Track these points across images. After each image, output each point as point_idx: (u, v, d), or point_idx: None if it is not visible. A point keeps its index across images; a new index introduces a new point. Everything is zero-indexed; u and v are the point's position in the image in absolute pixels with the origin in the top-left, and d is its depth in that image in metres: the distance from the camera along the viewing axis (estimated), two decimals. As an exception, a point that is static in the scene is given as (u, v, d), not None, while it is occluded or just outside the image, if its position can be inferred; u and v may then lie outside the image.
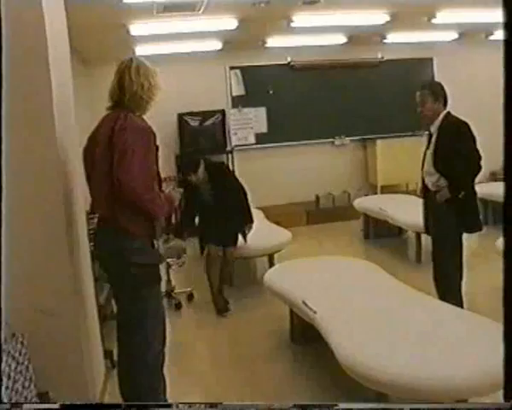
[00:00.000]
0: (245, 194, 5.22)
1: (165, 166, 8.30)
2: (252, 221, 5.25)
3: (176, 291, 5.40)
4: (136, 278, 2.71)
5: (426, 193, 4.14)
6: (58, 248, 2.79)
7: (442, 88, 3.97)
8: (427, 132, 4.16)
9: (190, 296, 5.45)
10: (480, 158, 3.81)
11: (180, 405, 2.34)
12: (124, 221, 2.67)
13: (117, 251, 2.71)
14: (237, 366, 3.98)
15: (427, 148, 4.04)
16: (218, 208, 5.09)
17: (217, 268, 5.15)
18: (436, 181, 3.94)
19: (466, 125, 3.87)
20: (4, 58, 2.15)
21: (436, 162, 3.91)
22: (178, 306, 5.19)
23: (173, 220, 8.52)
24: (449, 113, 3.95)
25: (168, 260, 5.18)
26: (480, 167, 3.82)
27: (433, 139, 3.94)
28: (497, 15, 6.80)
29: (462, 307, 3.83)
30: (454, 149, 3.81)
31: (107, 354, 3.70)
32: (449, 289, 3.99)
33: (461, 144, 3.81)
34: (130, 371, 2.81)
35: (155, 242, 2.85)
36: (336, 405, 2.31)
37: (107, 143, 2.65)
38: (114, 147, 2.61)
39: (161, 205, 2.74)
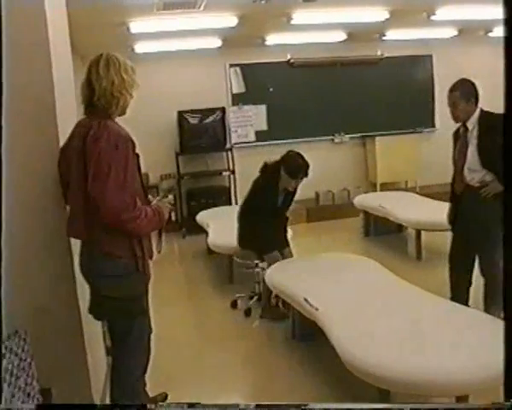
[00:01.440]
0: None
1: (165, 163, 8.35)
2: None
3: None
4: (114, 311, 2.58)
5: (463, 190, 4.02)
6: (58, 246, 2.78)
7: (474, 87, 3.88)
8: (457, 127, 4.04)
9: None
10: None
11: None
12: (105, 243, 2.45)
13: (95, 278, 2.56)
14: (234, 362, 4.00)
15: (463, 144, 3.95)
16: (283, 210, 4.90)
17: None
18: (482, 177, 3.87)
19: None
20: (5, 55, 2.14)
21: (483, 158, 3.83)
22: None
23: (173, 217, 8.58)
24: (482, 109, 3.89)
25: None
26: None
27: (474, 135, 3.85)
28: (496, 12, 6.83)
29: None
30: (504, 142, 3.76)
31: (109, 350, 3.71)
32: (497, 283, 3.99)
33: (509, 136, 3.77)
34: (113, 384, 2.80)
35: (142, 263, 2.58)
36: (306, 404, 2.31)
37: (80, 155, 2.40)
38: (88, 160, 2.35)
39: (146, 223, 2.46)
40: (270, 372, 3.80)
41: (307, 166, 4.65)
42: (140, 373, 2.82)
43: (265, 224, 4.65)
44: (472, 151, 3.88)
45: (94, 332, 3.32)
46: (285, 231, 4.98)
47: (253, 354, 4.14)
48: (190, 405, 2.30)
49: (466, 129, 3.91)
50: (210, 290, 5.64)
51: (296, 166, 4.60)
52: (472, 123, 3.87)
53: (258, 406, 2.23)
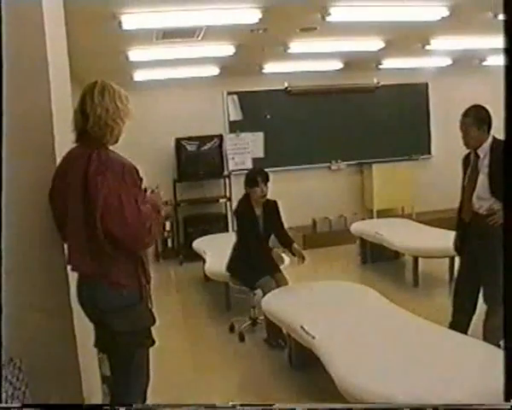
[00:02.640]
0: None
1: (163, 190, 8.34)
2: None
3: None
4: (120, 345, 2.52)
5: (471, 218, 3.99)
6: (55, 277, 2.75)
7: (487, 113, 3.85)
8: (467, 155, 4.00)
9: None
10: None
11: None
12: (113, 274, 2.43)
13: (102, 312, 2.49)
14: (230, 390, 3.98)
15: (473, 172, 3.92)
16: (267, 236, 4.94)
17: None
18: (491, 205, 3.85)
19: None
20: (4, 81, 2.16)
21: (493, 187, 3.80)
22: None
23: (169, 244, 8.58)
24: (494, 137, 3.86)
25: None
26: None
27: (485, 163, 3.82)
28: (489, 42, 6.96)
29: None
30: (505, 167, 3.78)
31: (105, 378, 3.67)
32: (499, 312, 3.98)
33: None
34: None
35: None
36: (273, 405, 2.30)
37: (82, 188, 2.36)
38: (94, 195, 2.31)
39: (155, 226, 2.47)
40: (267, 400, 3.76)
41: (262, 169, 4.85)
42: (141, 401, 2.79)
43: (248, 253, 4.74)
44: (482, 179, 3.85)
45: (89, 362, 3.29)
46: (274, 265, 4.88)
47: (250, 383, 4.11)
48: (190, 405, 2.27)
49: (477, 156, 3.89)
50: (206, 318, 5.62)
51: (250, 174, 4.83)
52: (483, 151, 3.83)
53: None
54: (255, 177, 4.71)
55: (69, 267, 2.63)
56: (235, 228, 5.03)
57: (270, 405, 2.35)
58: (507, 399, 2.03)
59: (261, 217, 4.82)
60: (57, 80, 2.90)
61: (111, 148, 2.54)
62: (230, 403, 2.28)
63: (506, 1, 2.02)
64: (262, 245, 4.82)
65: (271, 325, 4.45)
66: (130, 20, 4.67)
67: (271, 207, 4.87)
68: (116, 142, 2.54)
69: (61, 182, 2.51)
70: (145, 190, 2.61)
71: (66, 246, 2.62)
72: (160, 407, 2.67)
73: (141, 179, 2.47)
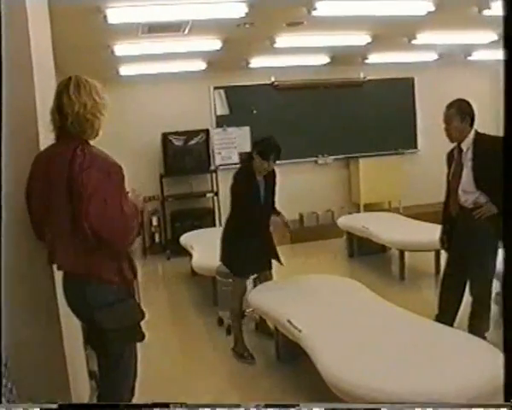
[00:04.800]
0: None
1: (150, 185, 8.34)
2: None
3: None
4: (109, 341, 2.49)
5: (457, 211, 4.04)
6: (40, 277, 2.73)
7: (470, 107, 3.91)
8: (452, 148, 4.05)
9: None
10: None
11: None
12: (102, 271, 2.43)
13: (89, 310, 2.46)
14: (218, 384, 3.98)
15: (457, 166, 3.98)
16: (267, 210, 4.48)
17: (240, 303, 4.50)
18: (476, 198, 3.91)
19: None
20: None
21: (477, 180, 3.86)
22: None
23: (157, 239, 8.56)
24: (477, 131, 3.93)
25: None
26: None
27: (469, 157, 3.89)
28: (474, 37, 7.01)
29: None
30: (498, 165, 3.80)
31: (92, 374, 3.66)
32: (485, 304, 4.04)
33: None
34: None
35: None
36: (239, 405, 2.31)
37: (67, 185, 2.32)
38: (79, 191, 2.28)
39: (136, 225, 2.48)
40: (256, 394, 3.78)
41: (278, 146, 4.37)
42: (128, 397, 2.79)
43: (247, 239, 4.32)
44: (467, 173, 3.90)
45: (77, 358, 3.29)
46: (273, 248, 4.62)
47: (238, 376, 4.12)
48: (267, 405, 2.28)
49: (460, 150, 3.94)
50: (194, 312, 5.62)
51: (266, 145, 4.35)
52: (467, 144, 3.90)
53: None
54: (269, 152, 4.29)
55: (55, 266, 2.61)
56: (232, 202, 4.45)
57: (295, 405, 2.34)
58: (507, 399, 2.05)
59: (262, 186, 4.43)
60: (42, 76, 2.88)
61: (104, 142, 2.53)
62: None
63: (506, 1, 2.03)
64: (263, 220, 4.42)
65: (239, 336, 4.43)
66: (116, 14, 4.64)
67: (271, 176, 4.50)
68: (97, 135, 2.51)
69: (41, 181, 2.46)
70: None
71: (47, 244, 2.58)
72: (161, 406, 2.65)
73: (124, 178, 2.43)
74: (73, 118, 2.38)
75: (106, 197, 2.29)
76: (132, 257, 2.60)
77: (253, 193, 4.35)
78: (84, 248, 2.38)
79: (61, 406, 2.35)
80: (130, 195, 2.63)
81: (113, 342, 2.52)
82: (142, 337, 2.64)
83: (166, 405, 2.41)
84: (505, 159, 2.11)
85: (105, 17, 4.64)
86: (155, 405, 2.41)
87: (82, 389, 3.34)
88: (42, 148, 2.67)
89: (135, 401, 2.85)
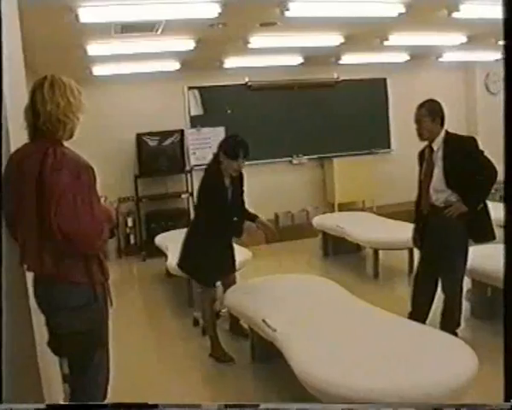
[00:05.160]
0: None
1: (124, 186, 8.28)
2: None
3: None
4: (77, 344, 2.47)
5: (429, 210, 4.12)
6: (13, 278, 2.70)
7: (440, 107, 3.99)
8: (425, 147, 4.12)
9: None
10: (495, 167, 3.88)
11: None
12: (71, 273, 2.40)
13: (55, 311, 2.45)
14: (193, 385, 3.98)
15: (428, 165, 4.05)
16: (235, 211, 4.32)
17: (211, 308, 4.46)
18: (447, 197, 3.98)
19: (474, 139, 3.99)
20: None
21: (448, 179, 3.94)
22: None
23: (132, 240, 8.50)
24: (447, 131, 4.01)
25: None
26: (496, 177, 3.90)
27: (439, 156, 3.96)
28: (445, 39, 7.12)
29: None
30: (467, 164, 3.87)
31: (66, 378, 3.63)
32: (456, 301, 4.10)
33: (474, 159, 3.88)
34: None
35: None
36: (199, 405, 2.32)
37: (37, 186, 2.29)
38: (49, 192, 2.25)
39: (106, 231, 2.46)
40: (230, 395, 3.78)
41: (246, 144, 4.14)
42: (100, 399, 2.77)
43: (214, 247, 4.23)
44: (438, 172, 3.98)
45: (51, 361, 3.25)
46: (232, 251, 4.55)
47: (213, 376, 4.12)
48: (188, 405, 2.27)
49: (431, 150, 4.01)
50: (170, 313, 5.60)
51: (234, 144, 4.16)
52: (437, 144, 3.97)
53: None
54: (238, 151, 4.10)
55: (25, 267, 2.58)
56: (197, 203, 4.34)
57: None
58: (507, 399, 2.08)
59: (230, 189, 4.26)
60: (11, 76, 2.84)
61: (67, 144, 2.48)
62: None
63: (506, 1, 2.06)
64: (230, 226, 4.25)
65: (214, 340, 4.39)
66: (88, 13, 4.58)
67: (238, 179, 4.33)
68: (71, 137, 2.47)
69: (13, 181, 2.42)
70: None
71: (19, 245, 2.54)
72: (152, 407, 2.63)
73: (95, 180, 2.41)
74: (45, 117, 2.35)
75: (76, 199, 2.27)
76: (103, 259, 2.56)
77: (220, 197, 4.17)
78: (53, 249, 2.35)
79: (48, 406, 2.33)
80: (103, 202, 2.62)
81: (80, 345, 2.50)
82: (104, 343, 2.62)
83: (155, 405, 2.41)
84: (505, 159, 2.14)
85: (77, 16, 4.59)
86: (145, 405, 2.41)
87: (56, 392, 3.31)
88: (12, 147, 2.60)
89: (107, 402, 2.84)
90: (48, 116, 2.34)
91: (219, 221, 4.13)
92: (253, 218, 4.44)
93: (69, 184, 2.27)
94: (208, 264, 4.27)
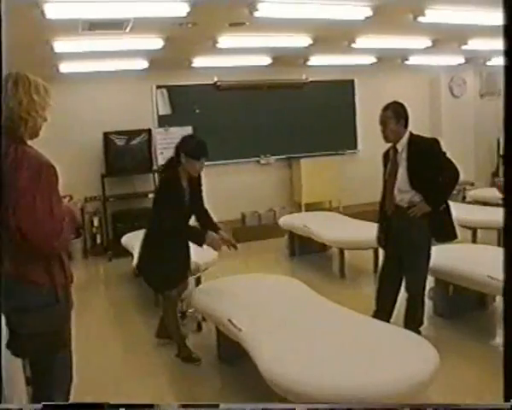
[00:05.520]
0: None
1: (91, 185, 8.19)
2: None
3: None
4: (37, 346, 2.43)
5: (393, 210, 4.16)
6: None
7: (404, 109, 4.06)
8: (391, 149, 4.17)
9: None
10: (457, 169, 3.99)
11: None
12: (31, 274, 2.35)
13: (13, 312, 2.38)
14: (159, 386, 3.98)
15: (393, 166, 4.11)
16: (191, 211, 4.28)
17: (174, 309, 4.40)
18: (411, 197, 4.04)
19: (437, 141, 4.06)
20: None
21: (412, 179, 4.00)
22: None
23: (98, 240, 8.41)
24: (411, 132, 4.08)
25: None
26: (459, 178, 4.02)
27: (403, 157, 4.02)
28: (410, 42, 7.25)
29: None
30: (430, 165, 3.94)
31: (29, 380, 3.57)
32: (419, 299, 4.19)
33: (437, 160, 3.97)
34: None
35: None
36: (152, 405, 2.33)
37: None
38: (9, 189, 2.20)
39: (67, 232, 2.40)
40: (196, 395, 3.79)
41: (206, 143, 4.13)
42: (62, 400, 2.74)
43: (171, 253, 4.12)
44: (402, 173, 4.05)
45: (14, 363, 3.20)
46: (189, 258, 4.42)
47: (180, 377, 4.11)
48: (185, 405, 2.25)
49: (396, 151, 4.08)
50: (136, 313, 5.57)
51: (196, 145, 4.13)
52: (402, 145, 4.04)
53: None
54: (200, 150, 4.08)
55: None
56: (155, 207, 4.20)
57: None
58: (507, 399, 2.12)
59: (187, 190, 4.18)
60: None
61: (33, 142, 2.44)
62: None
63: (506, 1, 2.09)
64: (187, 226, 4.18)
65: (180, 342, 4.36)
66: (54, 9, 4.51)
67: (196, 181, 4.26)
68: (36, 135, 2.43)
69: None
70: (64, 198, 2.54)
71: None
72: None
73: (57, 179, 2.36)
74: (7, 114, 2.28)
75: (35, 198, 2.23)
76: (65, 259, 2.52)
77: (178, 199, 4.06)
78: (13, 250, 2.31)
79: (45, 406, 2.30)
80: (66, 201, 2.58)
81: (41, 347, 2.47)
82: (65, 345, 2.58)
83: (151, 405, 2.39)
84: (505, 159, 2.18)
85: (43, 12, 4.52)
86: (142, 406, 2.40)
87: (19, 394, 3.26)
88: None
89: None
90: (10, 113, 2.29)
91: (177, 224, 4.01)
92: (215, 228, 4.31)
93: (29, 182, 2.24)
94: (163, 271, 4.15)
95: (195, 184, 4.26)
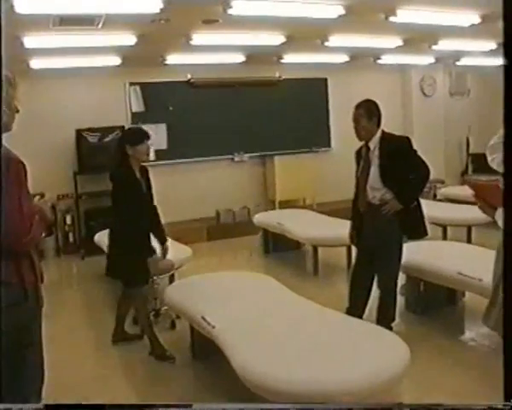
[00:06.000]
0: None
1: (63, 183, 8.09)
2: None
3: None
4: (5, 345, 2.35)
5: (365, 208, 4.21)
6: None
7: (377, 107, 4.09)
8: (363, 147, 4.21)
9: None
10: (428, 167, 4.05)
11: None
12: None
13: None
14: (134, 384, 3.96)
15: (365, 164, 4.14)
16: (150, 200, 4.40)
17: (145, 305, 4.43)
18: (382, 195, 4.08)
19: (408, 139, 4.11)
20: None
21: (383, 177, 4.04)
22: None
23: (71, 238, 8.32)
24: (383, 130, 4.12)
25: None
26: (429, 176, 4.07)
27: (376, 155, 4.06)
28: (382, 42, 7.33)
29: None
30: (402, 163, 3.98)
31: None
32: (391, 296, 4.23)
33: (408, 158, 4.01)
34: None
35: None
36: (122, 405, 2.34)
37: None
38: None
39: (36, 230, 2.36)
40: (169, 393, 3.78)
41: (143, 128, 4.43)
42: (34, 402, 2.71)
43: (137, 246, 4.17)
44: (374, 170, 4.09)
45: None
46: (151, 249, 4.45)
47: (153, 375, 4.09)
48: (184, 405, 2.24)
49: (368, 149, 4.12)
50: (109, 312, 5.52)
51: (135, 130, 4.45)
52: (374, 143, 4.08)
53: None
54: (141, 133, 4.20)
55: None
56: (115, 204, 4.27)
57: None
58: (507, 399, 2.15)
59: (142, 182, 4.26)
60: None
61: (11, 137, 2.39)
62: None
63: (506, 1, 2.10)
64: (149, 219, 4.30)
65: (153, 339, 4.32)
66: (23, 3, 4.44)
67: (146, 172, 4.33)
68: (7, 130, 2.38)
69: None
70: (34, 196, 2.51)
71: None
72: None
73: (26, 175, 2.34)
74: None
75: (1, 194, 2.20)
76: (35, 258, 2.49)
77: (136, 190, 4.18)
78: None
79: (47, 406, 2.27)
80: (37, 199, 2.55)
81: (9, 346, 2.43)
82: (39, 342, 2.57)
83: (150, 405, 2.37)
84: (506, 159, 2.20)
85: (12, 6, 4.44)
86: (142, 406, 2.38)
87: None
88: None
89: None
90: None
91: (140, 216, 4.11)
92: (162, 232, 4.52)
93: None
94: (133, 264, 4.19)
95: (145, 176, 4.32)
